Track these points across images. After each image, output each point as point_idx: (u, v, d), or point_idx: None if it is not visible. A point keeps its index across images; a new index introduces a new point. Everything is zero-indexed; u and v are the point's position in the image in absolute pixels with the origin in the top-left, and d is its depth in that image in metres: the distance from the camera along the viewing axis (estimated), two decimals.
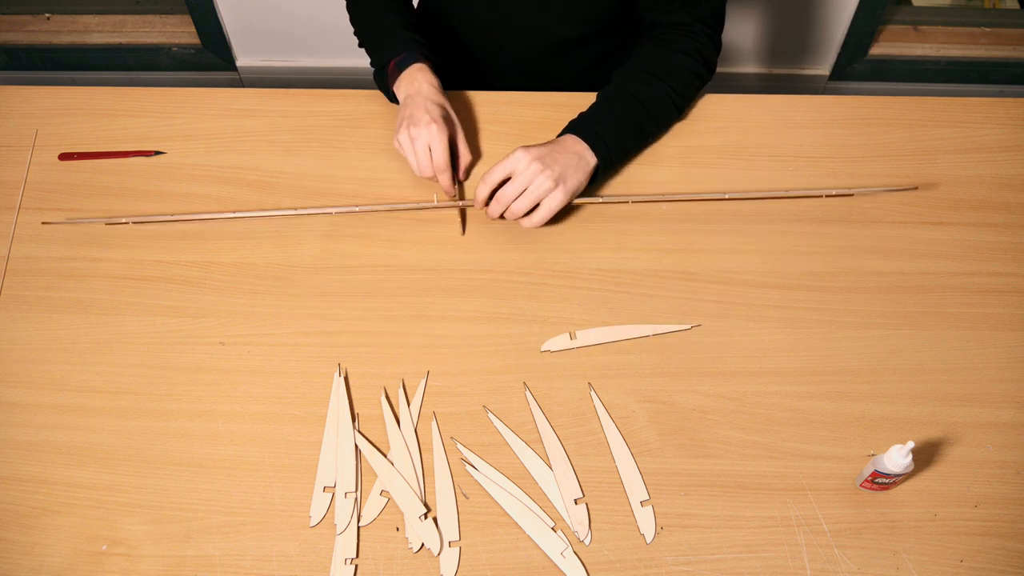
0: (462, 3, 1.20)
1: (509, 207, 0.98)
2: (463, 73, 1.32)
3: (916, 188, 1.05)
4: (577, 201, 1.03)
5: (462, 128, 1.06)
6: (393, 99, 1.10)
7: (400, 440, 0.90)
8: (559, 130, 1.08)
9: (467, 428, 0.91)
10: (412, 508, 0.86)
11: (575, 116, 1.06)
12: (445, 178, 1.02)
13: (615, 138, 1.03)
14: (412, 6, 1.17)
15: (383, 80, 1.10)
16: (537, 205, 0.98)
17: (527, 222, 1.00)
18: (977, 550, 0.84)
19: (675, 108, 1.08)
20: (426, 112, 1.01)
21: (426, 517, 0.85)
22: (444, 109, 1.04)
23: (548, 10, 1.16)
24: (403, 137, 1.02)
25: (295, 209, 1.05)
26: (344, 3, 1.19)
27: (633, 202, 1.04)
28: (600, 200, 1.04)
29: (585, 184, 1.02)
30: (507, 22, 1.19)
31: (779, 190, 1.06)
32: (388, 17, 1.12)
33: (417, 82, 1.05)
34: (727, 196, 1.03)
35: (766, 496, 0.87)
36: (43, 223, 1.05)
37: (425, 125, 1.00)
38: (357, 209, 1.04)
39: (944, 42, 2.11)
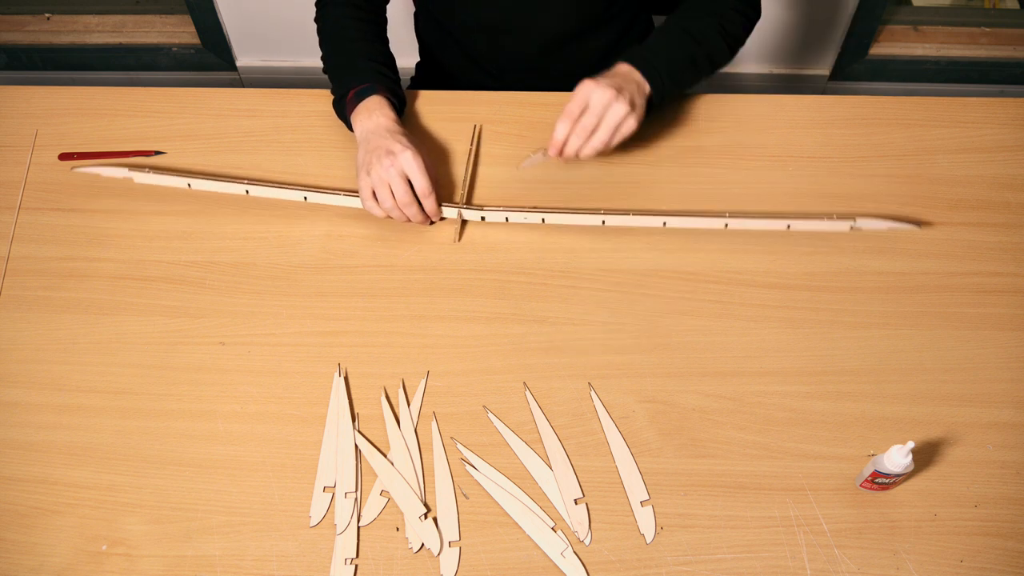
0: (463, 5, 1.19)
1: (588, 141, 0.97)
2: (466, 74, 1.32)
3: (920, 225, 1.03)
4: (575, 222, 1.03)
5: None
6: (352, 128, 1.06)
7: (400, 440, 0.90)
8: None
9: (467, 428, 0.91)
10: (412, 508, 0.86)
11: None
12: (430, 202, 1.00)
13: (668, 69, 1.02)
14: (386, 40, 1.14)
15: (341, 109, 1.07)
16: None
17: (596, 147, 0.97)
18: (977, 550, 0.84)
19: (725, 45, 1.07)
20: (396, 141, 0.98)
21: (426, 517, 0.85)
22: (410, 138, 1.01)
23: (548, 7, 1.16)
24: (377, 172, 0.97)
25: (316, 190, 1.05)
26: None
27: (634, 214, 1.03)
28: (602, 213, 1.04)
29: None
30: (509, 21, 1.19)
31: (779, 213, 1.04)
32: (356, 45, 1.09)
33: (375, 116, 1.02)
34: (727, 214, 1.01)
35: (766, 496, 0.87)
36: (71, 168, 1.08)
37: (399, 154, 0.97)
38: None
39: (944, 42, 2.11)
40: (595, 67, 1.26)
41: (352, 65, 1.08)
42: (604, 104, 0.96)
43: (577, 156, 0.98)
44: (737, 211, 1.03)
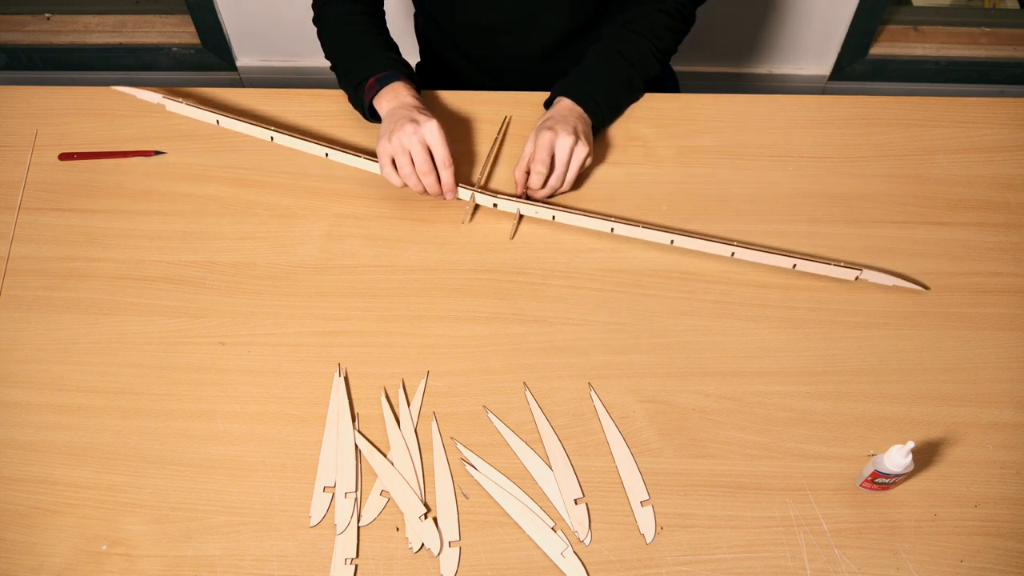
0: (463, 5, 1.20)
1: (564, 180, 1.03)
2: (467, 74, 1.31)
3: (928, 288, 0.99)
4: (585, 224, 1.03)
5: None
6: (368, 116, 1.10)
7: (400, 440, 0.90)
8: None
9: (467, 428, 0.91)
10: (412, 508, 0.86)
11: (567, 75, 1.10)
12: (448, 174, 1.01)
13: (606, 99, 1.09)
14: (388, 33, 1.17)
15: (359, 96, 1.09)
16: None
17: (568, 185, 1.04)
18: (977, 550, 0.84)
19: (657, 62, 1.13)
20: (420, 113, 1.01)
21: (426, 517, 0.85)
22: (435, 113, 1.04)
23: (549, 6, 1.16)
24: (399, 139, 0.99)
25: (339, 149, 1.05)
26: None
27: (643, 226, 1.02)
28: (613, 220, 1.04)
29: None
30: (509, 21, 1.19)
31: (787, 251, 1.03)
32: (367, 38, 1.12)
33: (401, 96, 1.05)
34: (735, 243, 1.00)
35: (766, 496, 0.87)
36: (112, 88, 1.16)
37: (423, 123, 0.99)
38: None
39: (944, 42, 2.11)
40: None
41: (367, 55, 1.10)
42: (569, 149, 1.01)
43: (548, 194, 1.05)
44: (744, 242, 1.01)
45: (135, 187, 1.09)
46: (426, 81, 1.39)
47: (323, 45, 1.15)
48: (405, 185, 1.02)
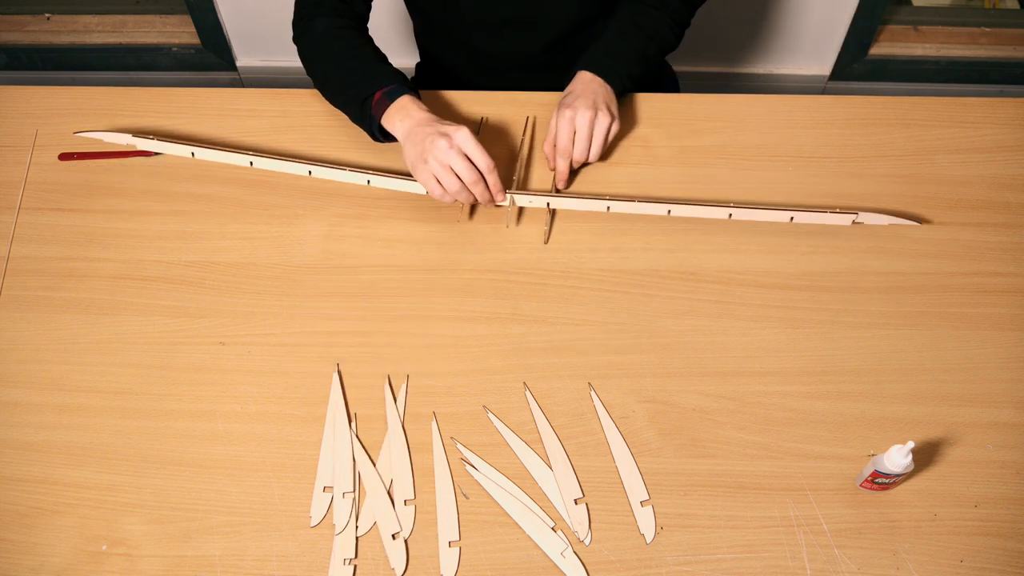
0: (468, 2, 1.18)
1: (590, 151, 1.05)
2: (467, 73, 1.31)
3: (921, 222, 1.03)
4: (581, 207, 1.03)
5: None
6: (375, 134, 1.05)
7: (395, 440, 0.90)
8: None
9: (467, 428, 0.91)
10: (387, 524, 0.85)
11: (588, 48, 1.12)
12: (494, 177, 0.99)
13: (627, 71, 1.10)
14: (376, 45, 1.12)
15: (366, 114, 1.03)
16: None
17: (595, 156, 1.05)
18: (977, 550, 0.84)
19: (674, 36, 1.16)
20: (445, 124, 0.98)
21: (395, 537, 0.84)
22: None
23: (547, 4, 1.16)
24: (436, 157, 0.96)
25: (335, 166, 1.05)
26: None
27: (639, 200, 1.03)
28: (607, 199, 1.04)
29: None
30: (516, 14, 1.18)
31: (783, 204, 1.05)
32: (362, 51, 1.08)
33: (413, 113, 1.01)
34: (732, 203, 1.02)
35: (766, 496, 0.87)
36: (74, 133, 1.11)
37: (454, 134, 0.96)
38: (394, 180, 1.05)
39: (944, 42, 2.11)
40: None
41: (367, 70, 1.06)
42: (589, 122, 1.03)
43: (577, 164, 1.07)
44: (741, 201, 1.03)
45: (135, 187, 1.09)
46: (426, 81, 1.39)
47: (308, 63, 1.11)
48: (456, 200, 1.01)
